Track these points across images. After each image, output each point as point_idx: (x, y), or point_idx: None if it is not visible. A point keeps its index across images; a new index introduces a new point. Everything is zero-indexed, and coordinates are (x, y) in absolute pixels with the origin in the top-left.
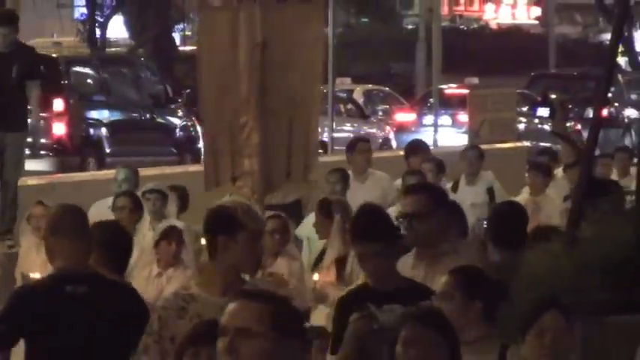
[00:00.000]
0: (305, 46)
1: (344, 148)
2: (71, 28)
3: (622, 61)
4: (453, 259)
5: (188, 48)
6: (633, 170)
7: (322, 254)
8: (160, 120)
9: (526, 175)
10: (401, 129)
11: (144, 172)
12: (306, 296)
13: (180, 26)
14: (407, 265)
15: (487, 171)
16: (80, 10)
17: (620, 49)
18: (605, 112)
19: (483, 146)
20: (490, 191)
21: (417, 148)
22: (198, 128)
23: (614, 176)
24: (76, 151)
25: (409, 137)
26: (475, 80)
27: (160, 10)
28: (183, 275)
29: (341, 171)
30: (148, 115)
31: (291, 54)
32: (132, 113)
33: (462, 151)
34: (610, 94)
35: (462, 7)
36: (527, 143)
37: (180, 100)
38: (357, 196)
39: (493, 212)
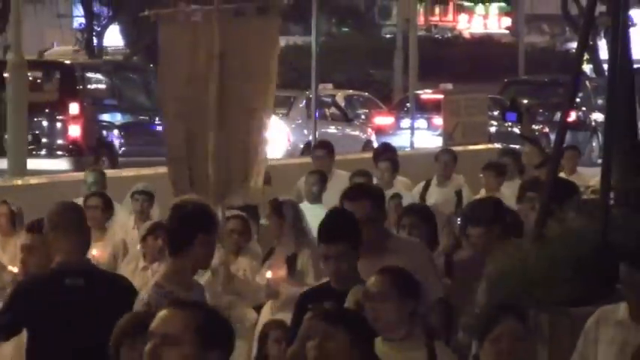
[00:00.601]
0: (261, 56)
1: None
2: (70, 37)
3: (587, 68)
4: (396, 258)
5: None
6: (580, 169)
7: (270, 252)
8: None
9: (480, 175)
10: (380, 132)
11: (153, 170)
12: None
13: None
14: None
15: (459, 175)
16: (78, 20)
17: (586, 57)
18: (573, 116)
19: (457, 148)
20: (458, 194)
21: (384, 150)
22: None
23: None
24: (91, 151)
25: (388, 139)
26: (449, 86)
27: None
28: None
29: (319, 173)
30: (156, 118)
31: (248, 64)
32: (141, 116)
33: (437, 154)
34: (578, 100)
35: (436, 18)
36: (498, 145)
37: None
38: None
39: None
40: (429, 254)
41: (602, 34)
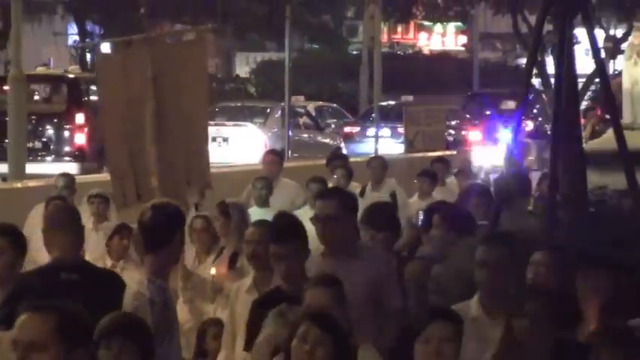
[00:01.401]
0: (191, 75)
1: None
2: (66, 53)
3: (536, 82)
4: (360, 264)
5: None
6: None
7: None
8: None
9: (415, 181)
10: (348, 139)
11: None
12: None
13: None
14: (314, 263)
15: (391, 178)
16: (73, 37)
17: (535, 71)
18: (531, 125)
19: (417, 154)
20: (393, 196)
21: (336, 157)
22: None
23: None
24: (94, 157)
25: (355, 146)
26: (410, 98)
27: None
28: (134, 267)
29: (266, 179)
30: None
31: (180, 83)
32: None
33: (368, 160)
34: (535, 111)
35: (399, 36)
36: (455, 152)
37: None
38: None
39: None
40: (393, 266)
41: (550, 51)
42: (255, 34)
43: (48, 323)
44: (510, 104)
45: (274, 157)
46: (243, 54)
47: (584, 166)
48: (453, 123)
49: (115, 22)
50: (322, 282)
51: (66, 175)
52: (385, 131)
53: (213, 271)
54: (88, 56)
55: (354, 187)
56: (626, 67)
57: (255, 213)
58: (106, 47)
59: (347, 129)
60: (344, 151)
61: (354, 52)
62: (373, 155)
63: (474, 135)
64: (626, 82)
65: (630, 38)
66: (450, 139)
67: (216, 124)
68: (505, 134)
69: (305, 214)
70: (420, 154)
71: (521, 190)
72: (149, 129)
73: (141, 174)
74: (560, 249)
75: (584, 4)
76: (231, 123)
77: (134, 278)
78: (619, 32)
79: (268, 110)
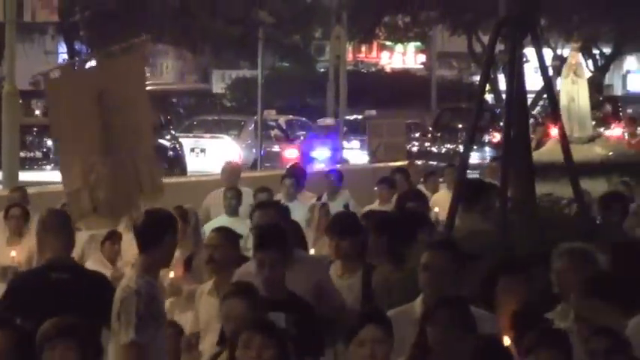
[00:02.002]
0: (133, 88)
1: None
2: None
3: (489, 97)
4: (298, 271)
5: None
6: None
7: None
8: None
9: (375, 188)
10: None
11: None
12: None
13: None
14: (247, 272)
15: (345, 190)
16: (63, 56)
17: (488, 87)
18: (498, 137)
19: (379, 164)
20: (346, 207)
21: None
22: (187, 149)
23: (443, 189)
24: None
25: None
26: (373, 112)
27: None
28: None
29: (235, 189)
30: None
31: (124, 97)
32: None
33: (325, 174)
34: (501, 124)
35: (363, 54)
36: (418, 162)
37: (171, 127)
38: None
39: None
40: (328, 271)
41: (501, 69)
42: (231, 53)
43: (10, 337)
44: (328, 121)
45: (233, 166)
46: (219, 71)
47: (533, 175)
48: (417, 135)
49: (100, 43)
50: (237, 292)
51: (20, 189)
52: (355, 143)
53: (171, 274)
54: None
55: (309, 197)
56: (564, 84)
57: (225, 222)
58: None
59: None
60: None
61: (322, 70)
62: (329, 169)
63: (289, 152)
64: (563, 99)
65: (568, 58)
66: (414, 150)
67: (194, 136)
68: (322, 151)
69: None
70: (383, 164)
71: (482, 192)
72: (98, 144)
73: (94, 187)
74: (475, 257)
75: (533, 26)
76: (209, 135)
77: (127, 274)
78: (565, 52)
79: (242, 123)
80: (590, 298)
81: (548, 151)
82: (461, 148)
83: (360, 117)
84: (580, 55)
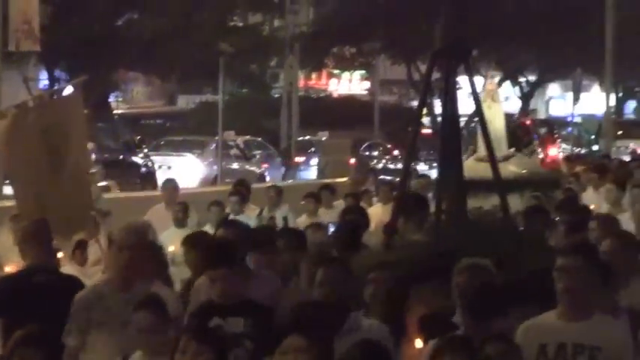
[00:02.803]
0: (74, 124)
1: (233, 180)
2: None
3: (426, 120)
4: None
5: (120, 111)
6: None
7: None
8: (129, 160)
9: (302, 202)
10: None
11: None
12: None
13: (115, 94)
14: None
15: (285, 204)
16: (43, 82)
17: (425, 111)
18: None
19: (328, 179)
20: (285, 218)
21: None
22: (156, 166)
23: (378, 204)
24: None
25: (301, 173)
26: (326, 134)
27: (101, 81)
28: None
29: (184, 203)
30: (121, 157)
31: (66, 133)
32: (110, 155)
33: (266, 189)
34: None
35: (313, 81)
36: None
37: (144, 146)
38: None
39: (338, 225)
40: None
41: (437, 95)
42: (195, 80)
43: None
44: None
45: (171, 184)
46: (184, 96)
47: (465, 190)
48: (376, 153)
49: (79, 70)
50: (144, 305)
51: None
52: (314, 160)
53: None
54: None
55: (253, 209)
56: (484, 107)
57: (174, 233)
58: (69, 90)
59: (297, 159)
60: (267, 178)
61: (276, 95)
62: (269, 184)
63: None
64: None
65: (485, 85)
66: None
67: (162, 155)
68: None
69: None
70: (330, 180)
71: (419, 205)
72: (45, 175)
73: (47, 212)
74: (336, 261)
75: (465, 57)
76: (175, 153)
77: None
78: (495, 79)
79: (204, 143)
80: (476, 319)
81: (468, 168)
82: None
83: (309, 137)
84: (496, 82)
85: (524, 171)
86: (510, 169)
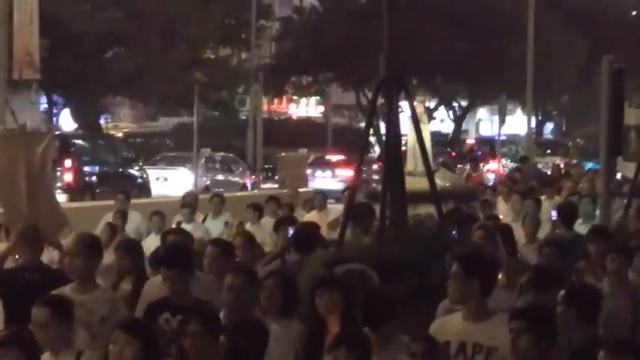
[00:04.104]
0: (42, 155)
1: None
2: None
3: (373, 139)
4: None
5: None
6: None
7: None
8: (127, 172)
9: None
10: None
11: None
12: None
13: (104, 116)
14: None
15: (227, 211)
16: (43, 106)
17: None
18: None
19: (289, 190)
20: (226, 223)
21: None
22: (153, 178)
23: (314, 211)
24: (79, 190)
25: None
26: (304, 151)
27: (93, 105)
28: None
29: (161, 213)
30: (120, 170)
31: (38, 159)
32: (110, 168)
33: (210, 197)
34: None
35: (275, 106)
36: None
37: (140, 161)
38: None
39: (295, 229)
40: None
41: (382, 117)
42: (173, 104)
43: None
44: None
45: (123, 195)
46: (164, 118)
47: (405, 200)
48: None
49: (73, 95)
50: (44, 301)
51: None
52: (328, 172)
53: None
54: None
55: (199, 216)
56: (410, 129)
57: (154, 239)
58: (66, 113)
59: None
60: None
61: (243, 118)
62: (214, 193)
63: None
64: (410, 141)
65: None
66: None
67: (158, 168)
68: None
69: (153, 242)
70: (290, 190)
71: (366, 212)
72: (23, 189)
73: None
74: (243, 269)
75: (405, 85)
76: (170, 167)
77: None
78: (432, 104)
79: (195, 159)
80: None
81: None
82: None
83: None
84: (422, 105)
85: (447, 184)
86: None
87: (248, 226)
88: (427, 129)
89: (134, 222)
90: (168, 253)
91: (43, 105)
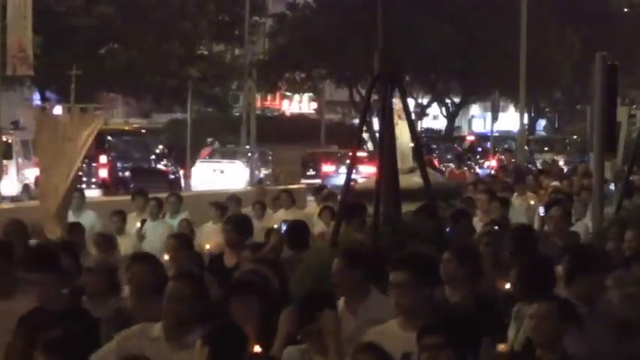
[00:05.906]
0: (81, 143)
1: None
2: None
3: (365, 136)
4: None
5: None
6: None
7: None
8: (159, 167)
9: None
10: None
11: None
12: None
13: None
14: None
15: (185, 211)
16: (35, 102)
17: (365, 128)
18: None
19: (281, 187)
20: (186, 221)
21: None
22: (180, 172)
23: (282, 209)
24: (113, 185)
25: (333, 179)
26: (335, 147)
27: (87, 102)
28: None
29: (121, 212)
30: (153, 165)
31: (82, 144)
32: (144, 164)
33: (167, 197)
34: None
35: (268, 102)
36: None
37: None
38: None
39: (288, 225)
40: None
41: (376, 114)
42: (167, 100)
43: None
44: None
45: (79, 192)
46: (158, 114)
47: (399, 196)
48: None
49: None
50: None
51: None
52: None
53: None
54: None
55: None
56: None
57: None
58: (58, 109)
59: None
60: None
61: (237, 114)
62: (171, 192)
63: None
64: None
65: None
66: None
67: (214, 161)
68: None
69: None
70: (283, 187)
71: (359, 209)
72: (66, 169)
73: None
74: (188, 277)
75: (399, 81)
76: (226, 160)
77: None
78: (425, 100)
79: (249, 153)
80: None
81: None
82: None
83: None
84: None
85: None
86: (415, 180)
87: (210, 225)
88: (405, 125)
89: (89, 221)
90: (31, 256)
91: (37, 101)
